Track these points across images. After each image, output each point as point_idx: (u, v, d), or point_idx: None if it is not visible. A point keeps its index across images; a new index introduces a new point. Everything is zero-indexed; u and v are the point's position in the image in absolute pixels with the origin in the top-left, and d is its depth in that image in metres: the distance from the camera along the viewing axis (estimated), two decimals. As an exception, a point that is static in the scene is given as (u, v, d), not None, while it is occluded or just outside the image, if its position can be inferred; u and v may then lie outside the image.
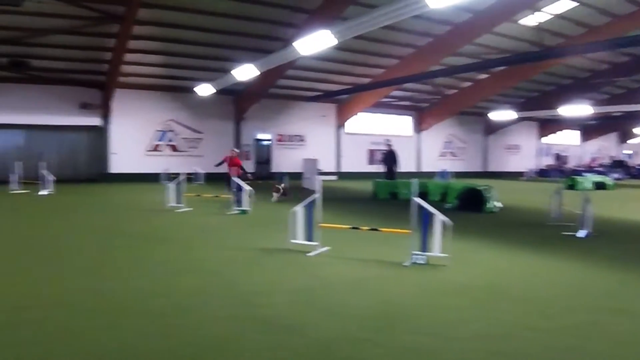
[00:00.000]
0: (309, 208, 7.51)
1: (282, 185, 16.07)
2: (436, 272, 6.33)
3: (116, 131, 25.19)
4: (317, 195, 7.32)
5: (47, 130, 24.07)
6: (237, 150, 18.59)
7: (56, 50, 21.18)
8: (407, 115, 34.81)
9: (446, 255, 6.55)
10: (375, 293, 5.43)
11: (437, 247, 6.57)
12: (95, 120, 24.76)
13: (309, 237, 7.49)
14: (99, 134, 24.98)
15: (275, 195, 15.73)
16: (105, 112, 24.70)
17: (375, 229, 7.87)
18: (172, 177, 16.16)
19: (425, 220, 6.64)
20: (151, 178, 24.52)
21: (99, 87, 24.36)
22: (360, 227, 8.16)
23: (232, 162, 17.19)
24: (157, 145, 26.28)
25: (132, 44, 20.28)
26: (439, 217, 6.54)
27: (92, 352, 3.75)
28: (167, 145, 26.53)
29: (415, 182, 7.03)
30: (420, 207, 6.65)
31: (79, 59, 22.38)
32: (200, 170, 22.85)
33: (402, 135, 33.95)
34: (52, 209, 13.39)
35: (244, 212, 12.36)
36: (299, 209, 7.58)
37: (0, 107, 22.71)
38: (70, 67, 23.09)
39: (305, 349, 3.85)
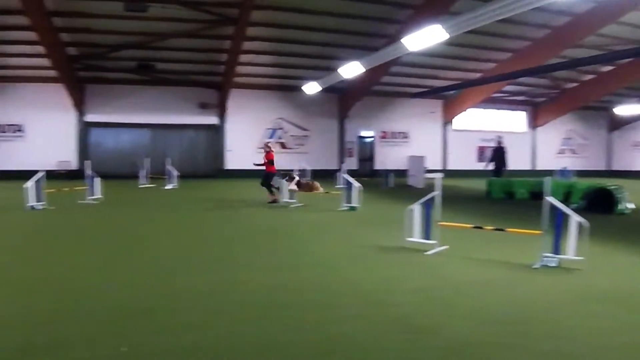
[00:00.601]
0: (427, 206, 7.33)
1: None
2: (571, 276, 5.87)
3: (231, 129, 26.65)
4: (437, 193, 7.13)
5: (170, 129, 26.07)
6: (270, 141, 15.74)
7: (177, 53, 22.81)
8: (520, 110, 32.86)
9: (581, 258, 6.05)
10: (506, 295, 5.16)
11: (571, 249, 6.10)
12: (212, 119, 26.37)
13: (427, 236, 7.32)
14: (216, 132, 26.56)
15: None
16: (221, 111, 26.21)
17: (501, 229, 7.48)
18: (281, 173, 16.62)
19: (559, 221, 6.19)
20: (262, 174, 25.54)
21: (215, 87, 25.86)
22: (484, 227, 7.81)
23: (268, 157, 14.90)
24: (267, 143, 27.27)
25: (246, 45, 21.23)
26: (575, 218, 6.06)
27: (234, 345, 3.91)
28: (277, 142, 27.48)
29: (547, 180, 6.57)
30: (553, 207, 6.21)
31: (198, 61, 23.91)
32: (307, 166, 23.32)
33: (515, 131, 32.17)
34: (178, 203, 14.41)
35: (353, 208, 12.42)
36: (416, 207, 7.44)
37: (130, 108, 25.06)
38: (190, 69, 24.76)
39: (443, 351, 3.74)
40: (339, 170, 24.76)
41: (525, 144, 32.70)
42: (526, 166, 31.52)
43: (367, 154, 29.56)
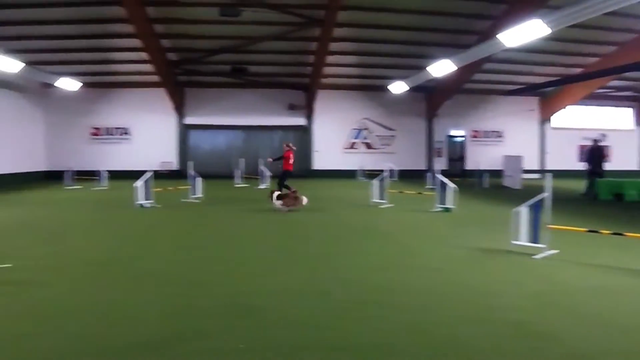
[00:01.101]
0: (535, 208, 6.98)
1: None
2: None
3: (318, 130, 27.05)
4: (546, 195, 6.76)
5: (261, 130, 26.93)
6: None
7: (267, 56, 23.51)
8: (626, 107, 30.34)
9: None
10: (630, 303, 4.79)
11: None
12: (300, 120, 26.91)
13: (535, 239, 6.97)
14: (304, 133, 27.07)
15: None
16: (309, 112, 26.65)
17: (619, 234, 6.96)
18: (367, 173, 16.77)
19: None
20: (348, 174, 25.79)
21: (303, 88, 26.37)
22: (600, 231, 7.30)
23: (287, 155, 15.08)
24: (353, 143, 27.44)
25: (332, 46, 21.41)
26: None
27: (349, 344, 3.96)
28: (362, 142, 27.48)
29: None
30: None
31: (287, 63, 24.50)
32: (394, 167, 23.14)
33: (620, 129, 29.78)
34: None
35: (447, 209, 12.12)
36: (523, 209, 7.11)
37: (224, 110, 26.22)
38: (279, 71, 25.43)
39: (571, 358, 3.55)
40: (427, 170, 24.33)
41: (633, 142, 30.15)
42: (633, 166, 29.06)
43: (457, 154, 28.74)
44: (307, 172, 26.78)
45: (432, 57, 19.63)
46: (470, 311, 4.63)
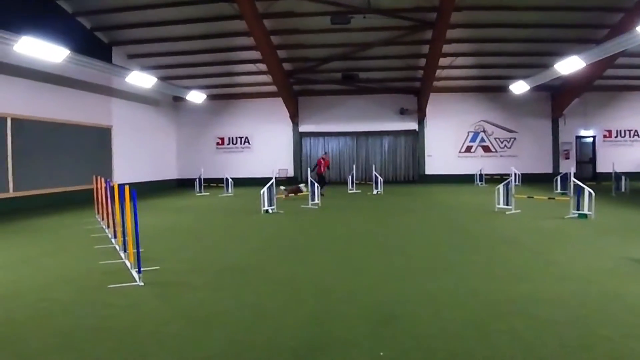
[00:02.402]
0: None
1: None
2: None
3: (430, 134, 26.39)
4: None
5: (372, 135, 26.94)
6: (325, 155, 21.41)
7: (378, 62, 23.43)
8: None
9: None
10: None
11: None
12: (411, 125, 26.46)
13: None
14: (415, 138, 26.59)
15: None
16: (420, 116, 26.14)
17: None
18: (486, 178, 16.02)
19: None
20: (465, 179, 24.84)
21: (414, 92, 25.95)
22: None
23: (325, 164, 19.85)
24: (469, 147, 26.37)
25: (445, 48, 20.78)
26: None
27: (486, 356, 3.75)
28: (480, 146, 26.30)
29: None
30: None
31: (397, 68, 24.21)
32: (516, 170, 21.80)
33: None
34: (388, 207, 14.74)
35: (584, 216, 11.13)
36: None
37: (336, 117, 26.64)
38: (390, 76, 25.24)
39: None
40: (553, 174, 22.69)
41: None
42: None
43: (587, 156, 26.40)
44: (419, 178, 26.26)
45: (557, 54, 18.39)
46: (633, 325, 4.18)
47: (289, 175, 26.42)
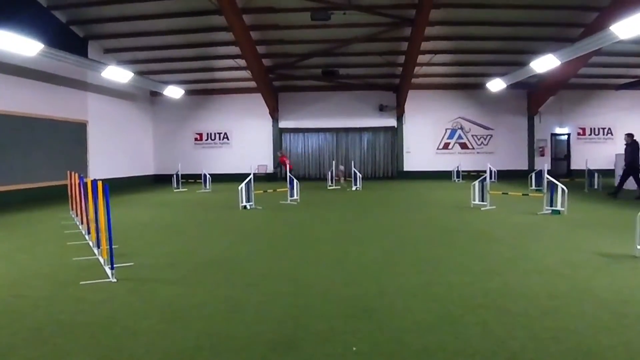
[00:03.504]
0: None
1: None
2: None
3: (409, 131, 26.58)
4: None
5: (351, 132, 27.00)
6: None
7: (357, 58, 23.45)
8: None
9: None
10: None
11: None
12: (391, 121, 26.60)
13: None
14: (394, 134, 26.75)
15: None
16: (399, 112, 26.29)
17: None
18: (463, 174, 16.23)
19: None
20: (443, 175, 25.11)
21: (393, 89, 26.09)
22: None
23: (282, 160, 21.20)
24: (447, 144, 26.64)
25: (424, 45, 20.91)
26: None
27: (457, 349, 3.80)
28: (457, 143, 26.59)
29: None
30: None
31: (377, 65, 24.27)
32: (492, 167, 22.12)
33: None
34: (367, 204, 14.80)
35: (557, 212, 11.35)
36: (652, 211, 6.45)
37: (316, 113, 26.65)
38: (369, 73, 25.31)
39: None
40: (529, 171, 23.08)
41: None
42: None
43: (562, 153, 26.91)
44: (398, 174, 26.44)
45: (533, 53, 18.66)
46: (602, 318, 4.29)
47: (268, 172, 26.34)
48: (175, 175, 21.20)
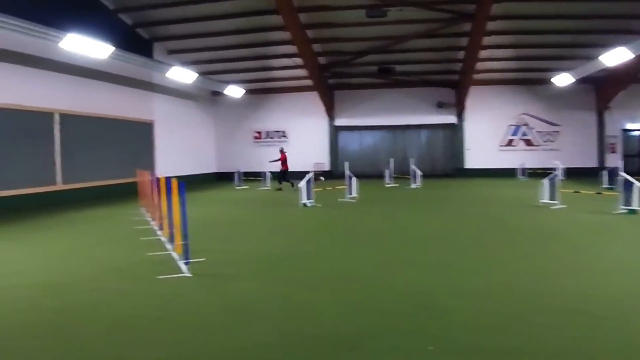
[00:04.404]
0: None
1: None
2: None
3: (470, 128, 25.91)
4: None
5: (409, 129, 26.67)
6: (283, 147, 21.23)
7: (415, 54, 23.06)
8: None
9: None
10: None
11: None
12: (450, 118, 26.04)
13: None
14: (454, 131, 26.16)
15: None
16: (459, 109, 25.67)
17: None
18: (528, 172, 15.59)
19: None
20: (505, 173, 24.32)
21: (452, 86, 25.49)
22: None
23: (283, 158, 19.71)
24: (510, 140, 25.75)
25: (484, 40, 20.28)
26: None
27: (531, 350, 3.65)
28: (521, 139, 25.65)
29: None
30: None
31: (435, 61, 23.82)
32: (560, 164, 21.19)
33: None
34: (428, 201, 14.57)
35: (633, 211, 10.70)
36: None
37: (372, 111, 26.49)
38: (427, 69, 24.84)
39: None
40: (599, 168, 21.94)
41: None
42: None
43: (634, 150, 25.37)
44: (458, 171, 25.84)
45: (602, 46, 17.66)
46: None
47: (325, 169, 26.42)
48: (236, 173, 21.68)
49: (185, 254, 5.99)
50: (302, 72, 23.71)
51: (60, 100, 15.64)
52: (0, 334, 4.09)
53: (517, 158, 24.80)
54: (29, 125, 14.38)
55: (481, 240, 8.08)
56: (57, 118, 15.40)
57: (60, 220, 11.37)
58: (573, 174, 22.94)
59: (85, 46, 13.91)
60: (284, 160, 19.62)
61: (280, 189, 18.65)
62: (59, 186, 15.44)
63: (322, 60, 23.80)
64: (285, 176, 19.34)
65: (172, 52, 22.46)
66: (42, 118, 14.89)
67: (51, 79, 15.37)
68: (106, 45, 14.46)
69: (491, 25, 19.33)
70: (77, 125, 16.22)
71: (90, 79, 17.05)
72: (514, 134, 25.69)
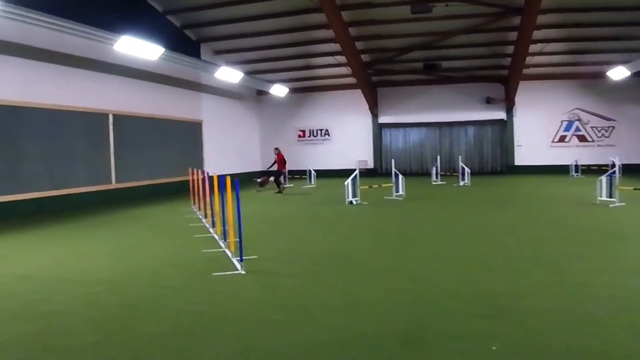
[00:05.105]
0: None
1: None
2: None
3: (520, 123, 25.15)
4: None
5: (456, 126, 26.15)
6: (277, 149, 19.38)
7: (461, 50, 22.55)
8: None
9: None
10: None
11: None
12: (499, 114, 25.35)
13: None
14: (503, 127, 25.46)
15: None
16: (509, 105, 24.96)
17: None
18: (582, 169, 14.91)
19: None
20: (558, 170, 23.52)
21: (501, 81, 24.79)
22: None
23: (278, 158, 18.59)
24: (563, 136, 24.82)
25: (534, 34, 19.58)
26: None
27: (603, 352, 3.47)
28: (575, 135, 24.68)
29: None
30: None
31: (482, 56, 23.21)
32: (616, 161, 20.26)
33: None
34: (478, 199, 14.24)
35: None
36: None
37: (417, 108, 26.13)
38: (474, 65, 24.25)
39: None
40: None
41: None
42: None
43: None
44: (508, 168, 25.15)
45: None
46: None
47: (368, 167, 26.27)
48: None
49: (240, 251, 6.07)
50: (345, 70, 23.64)
51: (114, 101, 16.18)
52: (70, 329, 4.24)
53: (570, 154, 23.90)
54: (86, 126, 14.96)
55: (541, 239, 7.81)
56: (111, 119, 15.94)
57: (116, 218, 11.77)
58: (630, 170, 21.91)
59: (137, 48, 14.33)
60: (280, 161, 18.65)
61: (280, 192, 17.76)
62: (113, 185, 15.99)
63: (365, 57, 23.63)
64: (278, 177, 18.37)
65: (218, 52, 22.84)
66: (98, 119, 15.45)
67: (105, 81, 15.91)
68: (157, 47, 14.84)
69: (542, 19, 18.64)
70: (129, 125, 16.74)
71: (141, 80, 17.56)
72: (567, 129, 24.74)
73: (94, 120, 15.28)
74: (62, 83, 14.22)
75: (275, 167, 18.83)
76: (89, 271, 6.34)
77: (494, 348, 3.57)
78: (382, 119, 26.85)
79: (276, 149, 19.22)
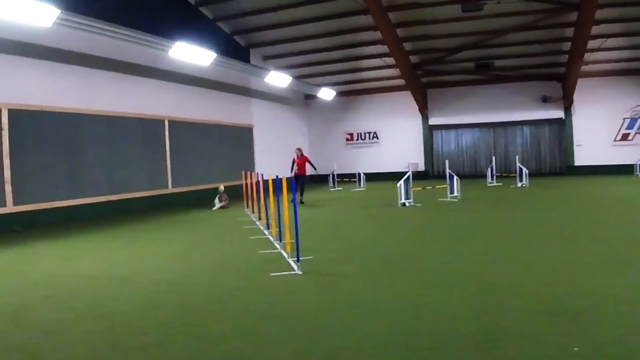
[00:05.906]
0: None
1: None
2: None
3: (579, 122, 24.06)
4: None
5: (510, 126, 25.33)
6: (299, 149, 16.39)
7: (514, 48, 21.80)
8: None
9: None
10: None
11: None
12: (556, 113, 24.37)
13: None
14: (561, 126, 24.45)
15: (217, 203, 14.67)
16: (567, 103, 23.93)
17: None
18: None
19: None
20: (621, 170, 22.35)
21: (558, 79, 23.82)
22: None
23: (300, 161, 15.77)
24: (626, 134, 23.53)
25: (593, 29, 18.66)
26: None
27: None
28: (638, 133, 23.34)
29: None
30: None
31: (537, 54, 22.34)
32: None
33: None
34: (537, 201, 13.70)
35: None
36: None
37: (468, 108, 25.51)
38: (528, 63, 23.42)
39: None
40: None
41: None
42: None
43: None
44: (567, 169, 24.11)
45: None
46: None
47: (419, 170, 25.84)
48: (331, 175, 21.83)
49: (297, 252, 6.02)
50: (393, 71, 23.41)
51: (169, 107, 16.64)
52: (135, 329, 4.30)
53: (635, 153, 22.65)
54: (143, 132, 15.46)
55: (609, 240, 7.36)
56: (167, 125, 16.38)
57: (174, 221, 12.06)
58: None
59: (190, 54, 14.67)
60: (301, 165, 15.71)
61: (302, 202, 15.26)
62: (170, 189, 16.40)
63: (414, 58, 23.30)
64: (300, 183, 15.01)
65: (267, 57, 23.12)
66: (154, 125, 15.93)
67: (160, 87, 16.39)
68: (209, 53, 15.15)
69: (599, 14, 17.76)
70: (183, 131, 17.15)
71: (194, 86, 17.98)
72: (630, 127, 23.42)
73: (150, 126, 15.75)
74: (120, 90, 14.75)
75: (295, 170, 15.68)
76: (151, 272, 6.47)
77: (576, 349, 3.35)
78: (433, 121, 26.38)
79: (298, 149, 16.36)
